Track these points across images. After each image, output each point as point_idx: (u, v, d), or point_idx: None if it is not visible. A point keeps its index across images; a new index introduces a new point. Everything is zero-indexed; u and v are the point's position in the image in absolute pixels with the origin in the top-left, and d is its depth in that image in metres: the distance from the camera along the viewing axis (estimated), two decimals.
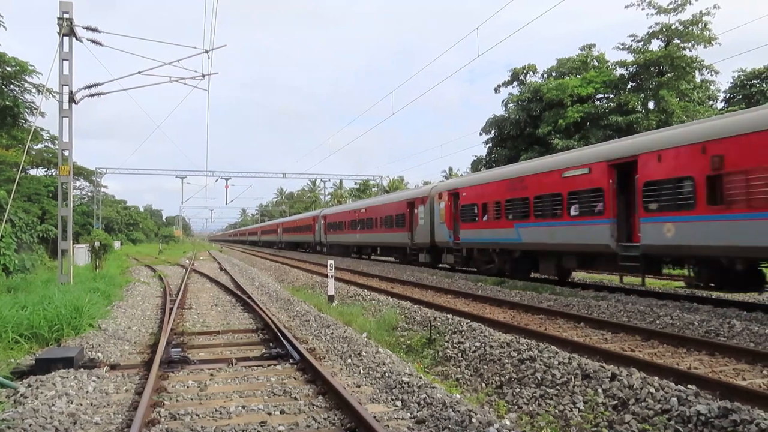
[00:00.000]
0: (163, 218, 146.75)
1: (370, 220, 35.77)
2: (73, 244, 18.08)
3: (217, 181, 55.75)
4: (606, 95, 37.64)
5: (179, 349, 9.17)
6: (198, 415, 5.94)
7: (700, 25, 32.97)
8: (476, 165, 44.29)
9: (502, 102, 41.55)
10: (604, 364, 7.09)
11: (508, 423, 5.70)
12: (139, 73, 17.41)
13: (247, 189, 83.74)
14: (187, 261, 39.65)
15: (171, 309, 13.42)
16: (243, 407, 6.18)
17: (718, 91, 37.61)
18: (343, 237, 42.21)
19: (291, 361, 8.32)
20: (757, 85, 36.56)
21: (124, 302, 15.43)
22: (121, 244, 63.76)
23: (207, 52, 17.91)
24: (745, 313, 11.24)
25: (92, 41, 16.35)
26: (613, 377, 6.51)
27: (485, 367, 8.17)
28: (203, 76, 18.17)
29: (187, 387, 7.11)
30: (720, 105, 37.94)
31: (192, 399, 6.59)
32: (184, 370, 7.93)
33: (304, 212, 71.00)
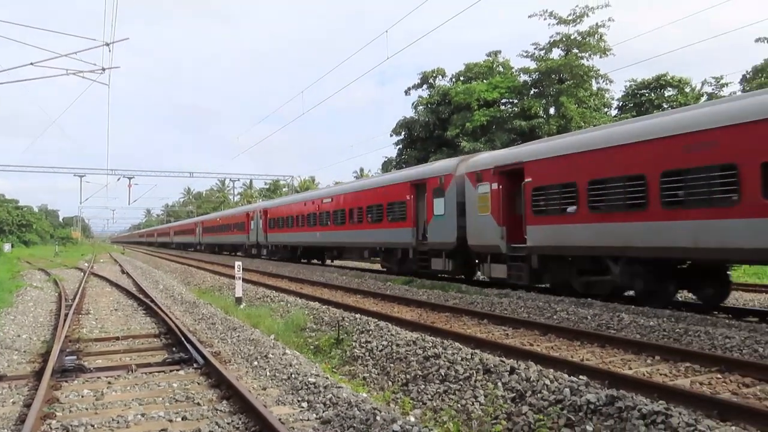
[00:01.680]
0: (60, 219, 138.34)
1: None
2: None
3: (119, 180, 53.23)
4: (510, 100, 39.16)
5: (74, 357, 8.68)
6: (93, 426, 5.65)
7: (596, 36, 35.00)
8: (387, 166, 44.81)
9: (412, 104, 42.32)
10: (504, 359, 7.39)
11: (412, 419, 5.83)
12: (31, 64, 16.29)
13: (151, 188, 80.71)
14: (86, 264, 37.53)
15: (66, 315, 12.66)
16: (142, 415, 5.95)
17: (612, 99, 40.17)
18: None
19: (195, 365, 8.09)
20: (646, 95, 39.29)
21: (13, 309, 14.41)
22: (12, 246, 59.38)
23: (108, 44, 17.04)
24: (633, 307, 12.04)
25: None
26: (512, 371, 6.80)
27: (392, 365, 8.30)
28: (103, 69, 17.23)
29: (82, 396, 6.75)
30: (614, 112, 40.47)
31: (87, 409, 6.26)
32: (79, 379, 7.52)
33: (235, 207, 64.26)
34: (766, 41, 35.60)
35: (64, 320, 11.85)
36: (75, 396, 6.77)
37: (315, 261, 33.49)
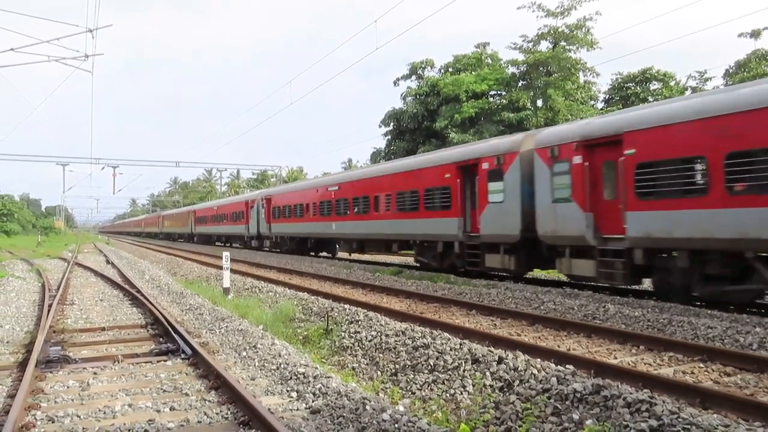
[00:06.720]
0: (43, 208, 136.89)
1: None
2: None
3: (103, 168, 52.48)
4: (499, 92, 39.17)
5: (59, 348, 8.59)
6: (79, 416, 5.61)
7: (583, 29, 35.08)
8: (375, 157, 44.73)
9: (401, 95, 42.22)
10: (492, 349, 7.44)
11: (401, 408, 5.85)
12: (11, 50, 16.07)
13: (137, 178, 79.98)
14: (70, 254, 37.16)
15: (50, 305, 12.53)
16: (129, 406, 5.91)
17: (599, 92, 40.31)
18: None
19: (183, 356, 8.04)
20: (632, 88, 39.49)
21: None
22: None
23: (91, 31, 16.82)
24: (618, 297, 12.17)
25: None
26: (500, 360, 6.85)
27: (381, 355, 8.32)
28: (86, 56, 17.08)
29: (68, 387, 6.69)
30: (600, 105, 40.65)
31: (73, 400, 6.21)
32: (64, 370, 7.45)
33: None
34: (748, 36, 36.00)
35: (48, 310, 11.73)
36: (60, 387, 6.71)
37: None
